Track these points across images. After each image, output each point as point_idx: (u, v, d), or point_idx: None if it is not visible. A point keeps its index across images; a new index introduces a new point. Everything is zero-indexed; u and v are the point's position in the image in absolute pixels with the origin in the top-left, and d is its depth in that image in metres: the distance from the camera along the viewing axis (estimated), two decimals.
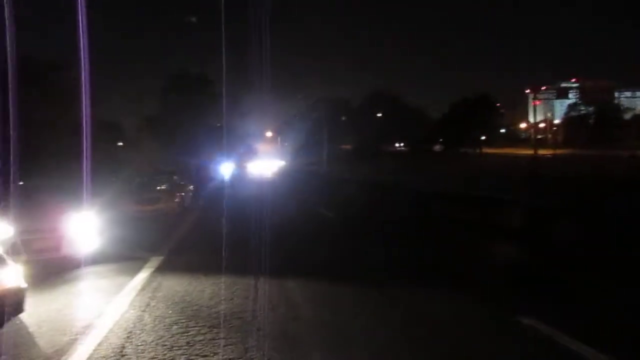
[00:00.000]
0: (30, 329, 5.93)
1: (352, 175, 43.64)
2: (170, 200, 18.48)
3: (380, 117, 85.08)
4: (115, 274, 8.69)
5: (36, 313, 6.47)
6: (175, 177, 21.04)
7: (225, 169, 34.00)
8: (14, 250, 8.91)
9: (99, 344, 5.30)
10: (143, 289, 7.58)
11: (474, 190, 22.21)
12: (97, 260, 9.63)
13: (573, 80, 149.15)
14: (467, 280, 7.91)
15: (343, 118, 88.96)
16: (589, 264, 8.93)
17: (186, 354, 4.98)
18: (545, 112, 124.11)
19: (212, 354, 4.96)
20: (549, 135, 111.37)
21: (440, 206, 18.74)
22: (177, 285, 7.75)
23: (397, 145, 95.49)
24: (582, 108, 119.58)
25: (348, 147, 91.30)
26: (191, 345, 5.20)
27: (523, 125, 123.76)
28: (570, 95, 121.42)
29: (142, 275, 8.45)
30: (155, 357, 4.93)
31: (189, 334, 5.54)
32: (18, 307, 6.02)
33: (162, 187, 19.78)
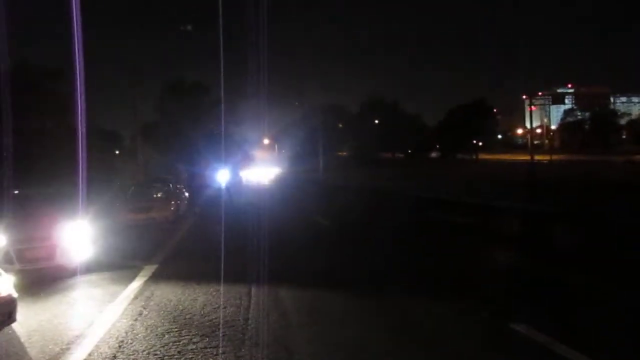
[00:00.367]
0: (22, 339, 5.89)
1: (349, 182, 43.62)
2: (165, 208, 18.41)
3: (377, 123, 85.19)
4: (109, 283, 8.66)
5: (28, 323, 6.43)
6: (170, 185, 20.97)
7: (221, 176, 33.93)
8: (6, 259, 8.89)
9: (90, 354, 5.27)
10: (136, 297, 7.55)
11: (470, 196, 22.26)
12: (91, 269, 9.60)
13: (569, 86, 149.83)
14: (463, 286, 7.89)
15: (340, 125, 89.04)
16: (586, 269, 8.93)
17: None
18: (542, 118, 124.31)
19: None
20: (546, 141, 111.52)
21: (437, 212, 18.77)
22: (170, 294, 7.72)
23: (393, 151, 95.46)
24: (578, 114, 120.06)
25: (345, 154, 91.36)
26: (183, 355, 5.17)
27: (519, 131, 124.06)
28: (566, 101, 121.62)
29: (135, 284, 8.41)
30: None
31: (181, 342, 5.51)
32: (9, 317, 5.98)
33: (157, 195, 19.71)
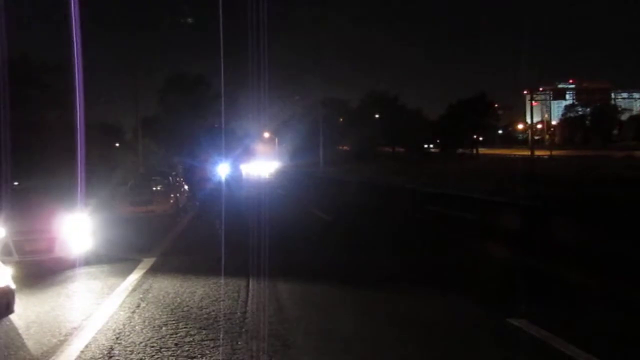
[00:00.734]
0: (20, 330, 5.90)
1: (349, 177, 43.70)
2: (165, 202, 18.43)
3: (378, 118, 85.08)
4: (107, 275, 8.67)
5: (25, 314, 6.45)
6: (170, 178, 20.97)
7: (221, 170, 33.96)
8: (5, 251, 8.92)
9: (87, 345, 5.28)
10: (134, 290, 7.57)
11: (469, 191, 22.29)
12: (90, 261, 9.61)
13: (570, 81, 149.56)
14: (462, 281, 7.89)
15: (341, 119, 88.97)
16: (585, 264, 8.94)
17: (174, 355, 4.97)
18: (543, 113, 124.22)
19: (200, 355, 4.94)
20: (546, 136, 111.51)
21: (436, 207, 18.79)
22: (168, 286, 7.73)
23: (394, 146, 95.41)
24: (579, 109, 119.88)
25: (346, 148, 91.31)
26: (180, 347, 5.18)
27: (520, 126, 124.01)
28: (567, 97, 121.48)
29: (134, 277, 8.43)
30: (143, 359, 4.91)
31: (178, 335, 5.52)
32: (7, 308, 6.01)
33: (157, 189, 19.72)
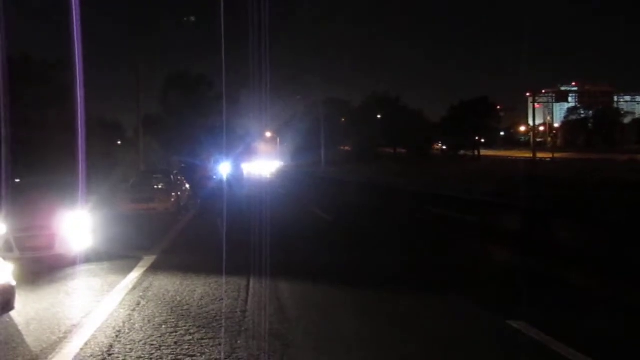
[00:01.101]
0: (19, 327, 5.90)
1: (350, 177, 43.70)
2: (166, 200, 18.43)
3: (379, 119, 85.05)
4: (107, 273, 8.67)
5: (25, 311, 6.45)
6: (171, 176, 20.98)
7: (223, 169, 33.96)
8: (6, 247, 8.92)
9: (87, 343, 5.28)
10: (134, 288, 7.56)
11: (471, 193, 22.28)
12: (90, 258, 9.62)
13: (573, 83, 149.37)
14: (463, 282, 7.88)
15: (342, 119, 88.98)
16: (586, 267, 8.93)
17: (174, 354, 4.96)
18: (545, 116, 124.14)
19: (199, 354, 4.93)
20: (549, 139, 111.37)
21: (437, 209, 18.78)
22: (168, 284, 7.72)
23: (395, 147, 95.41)
24: (582, 112, 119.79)
25: (347, 148, 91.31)
26: (179, 345, 5.17)
27: (522, 128, 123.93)
28: (569, 99, 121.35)
29: (134, 275, 8.42)
30: (142, 357, 4.90)
31: (178, 333, 5.52)
32: (8, 305, 6.00)
33: (158, 187, 19.74)
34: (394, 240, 12.27)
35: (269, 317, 6.05)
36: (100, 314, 6.24)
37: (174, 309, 6.46)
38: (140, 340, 5.31)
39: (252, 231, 11.61)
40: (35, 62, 31.06)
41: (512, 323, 5.64)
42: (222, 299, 6.85)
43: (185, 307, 6.52)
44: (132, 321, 5.96)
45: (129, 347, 5.15)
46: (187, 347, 5.12)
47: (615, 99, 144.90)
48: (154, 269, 8.91)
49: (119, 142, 54.05)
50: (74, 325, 5.88)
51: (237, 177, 35.89)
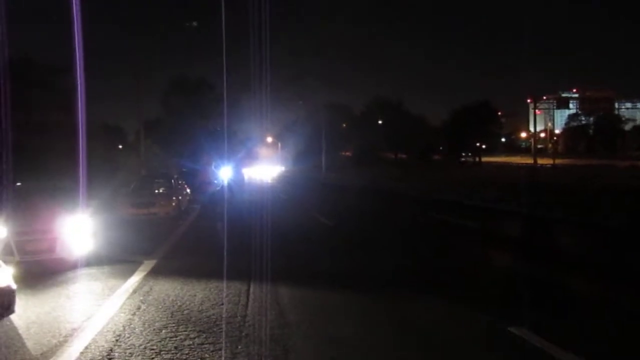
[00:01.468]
0: (20, 331, 5.89)
1: (351, 182, 43.66)
2: (167, 204, 18.45)
3: (381, 124, 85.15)
4: (108, 277, 8.66)
5: (26, 314, 6.45)
6: (172, 181, 20.99)
7: (224, 174, 33.93)
8: (7, 251, 8.91)
9: (87, 347, 5.27)
10: (134, 292, 7.55)
11: (472, 199, 22.27)
12: (91, 262, 9.61)
13: (574, 90, 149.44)
14: (464, 288, 7.86)
15: (344, 124, 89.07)
16: (588, 273, 8.92)
17: (174, 359, 4.95)
18: (546, 122, 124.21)
19: (199, 359, 4.93)
20: (550, 145, 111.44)
21: (438, 214, 18.77)
22: (168, 289, 7.72)
23: (396, 152, 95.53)
24: (582, 118, 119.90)
25: (348, 153, 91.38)
26: (179, 350, 5.16)
27: (523, 135, 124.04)
28: (570, 105, 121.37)
29: (135, 279, 8.42)
30: None
31: (178, 338, 5.51)
32: (8, 308, 5.99)
33: (159, 191, 19.75)
34: (395, 245, 12.25)
35: (269, 321, 6.04)
36: (101, 318, 6.24)
37: (175, 313, 6.45)
38: (141, 345, 5.30)
39: (252, 236, 11.61)
40: (38, 65, 31.12)
41: (514, 329, 5.62)
42: (223, 304, 6.84)
43: (186, 312, 6.51)
44: (132, 325, 5.95)
45: (129, 351, 5.14)
46: (187, 352, 5.11)
47: (617, 105, 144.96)
48: (154, 273, 8.91)
49: (120, 146, 54.13)
50: (75, 329, 5.87)
51: (238, 182, 35.85)
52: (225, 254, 9.87)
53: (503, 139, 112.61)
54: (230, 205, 21.27)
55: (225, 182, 31.04)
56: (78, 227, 9.74)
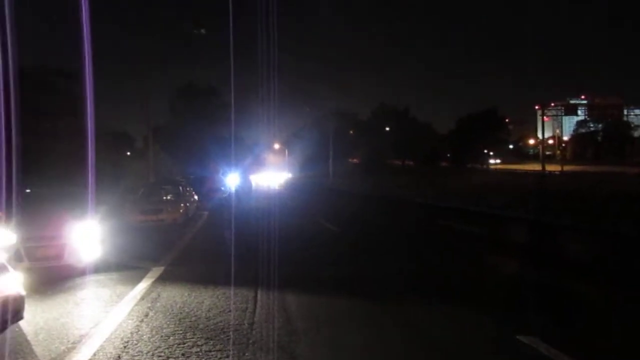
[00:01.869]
0: (28, 337, 5.93)
1: (358, 189, 43.62)
2: (174, 211, 18.50)
3: (388, 131, 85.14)
4: (116, 283, 8.70)
5: (35, 320, 6.49)
6: (180, 188, 21.05)
7: (231, 180, 34.06)
8: (16, 257, 8.96)
9: (95, 354, 5.29)
10: (142, 298, 7.57)
11: (480, 205, 22.17)
12: (99, 269, 9.65)
13: (582, 97, 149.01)
14: (471, 296, 7.83)
15: (351, 131, 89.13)
16: (597, 281, 8.85)
17: None
18: (554, 129, 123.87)
19: None
20: (557, 152, 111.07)
21: (446, 221, 18.72)
22: (176, 295, 7.73)
23: (404, 159, 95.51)
24: (591, 125, 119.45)
25: (355, 160, 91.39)
26: (187, 357, 5.17)
27: (531, 141, 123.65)
28: (579, 112, 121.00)
29: (143, 285, 8.44)
30: None
31: (186, 345, 5.52)
32: (17, 314, 6.02)
33: (167, 198, 19.81)
34: (401, 251, 12.22)
35: (276, 329, 6.04)
36: (109, 325, 6.26)
37: (182, 320, 6.46)
38: (148, 352, 5.31)
39: (259, 242, 11.63)
40: (47, 71, 31.38)
41: (522, 338, 5.59)
42: (230, 311, 6.85)
43: (193, 319, 6.52)
44: (140, 332, 5.97)
45: (136, 358, 5.16)
46: (195, 359, 5.13)
47: (625, 112, 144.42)
48: (162, 279, 8.93)
49: (128, 153, 54.38)
50: (83, 336, 5.90)
51: (245, 189, 35.98)
52: (232, 260, 9.88)
53: (511, 146, 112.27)
54: (238, 211, 21.32)
55: (233, 189, 31.17)
56: (86, 234, 9.79)
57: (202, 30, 31.79)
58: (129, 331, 6.00)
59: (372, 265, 10.51)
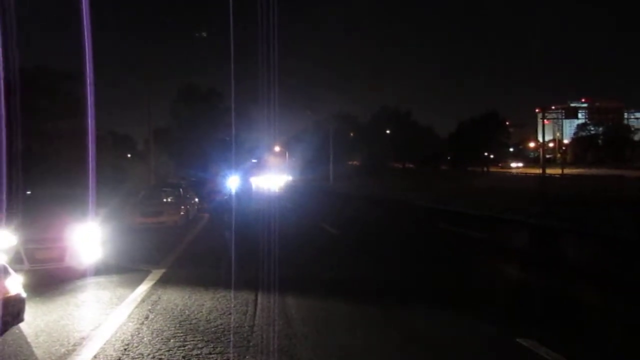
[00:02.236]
0: (29, 339, 5.93)
1: (359, 192, 43.66)
2: (175, 213, 18.52)
3: (388, 133, 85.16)
4: (116, 286, 8.70)
5: (35, 323, 6.49)
6: (180, 190, 21.07)
7: (231, 183, 34.04)
8: (17, 259, 8.97)
9: (96, 356, 5.29)
10: (143, 301, 7.58)
11: (480, 209, 22.18)
12: (99, 271, 9.66)
13: (582, 100, 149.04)
14: (471, 298, 7.83)
15: (351, 134, 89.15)
16: (598, 285, 8.86)
17: None
18: (555, 132, 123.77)
19: None
20: (558, 155, 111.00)
21: (446, 224, 18.71)
22: (176, 298, 7.74)
23: (404, 162, 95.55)
24: (591, 128, 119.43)
25: (356, 163, 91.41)
26: (187, 359, 5.18)
27: (532, 144, 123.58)
28: (579, 115, 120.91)
29: (143, 288, 8.45)
30: None
31: (186, 347, 5.52)
32: (17, 316, 6.03)
33: (167, 200, 19.84)
34: (402, 256, 12.21)
35: (277, 331, 6.05)
36: (109, 327, 6.26)
37: (182, 322, 6.46)
38: (149, 354, 5.31)
39: (260, 245, 11.63)
40: (48, 73, 31.42)
41: (522, 341, 5.59)
42: (230, 313, 6.85)
43: (194, 321, 6.52)
44: (140, 335, 5.97)
45: None
46: None
47: (626, 115, 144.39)
48: (162, 282, 8.93)
49: (129, 155, 54.40)
50: (83, 338, 5.90)
51: (245, 191, 35.95)
52: (232, 263, 9.89)
53: (511, 149, 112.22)
54: (238, 214, 21.31)
55: (233, 191, 31.15)
56: (87, 236, 9.80)
57: (203, 34, 31.84)
58: (130, 334, 6.01)
59: (371, 268, 10.51)
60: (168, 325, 6.36)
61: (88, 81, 15.36)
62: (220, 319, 6.62)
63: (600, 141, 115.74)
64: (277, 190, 55.43)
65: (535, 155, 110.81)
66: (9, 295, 5.81)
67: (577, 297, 8.09)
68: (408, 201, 30.96)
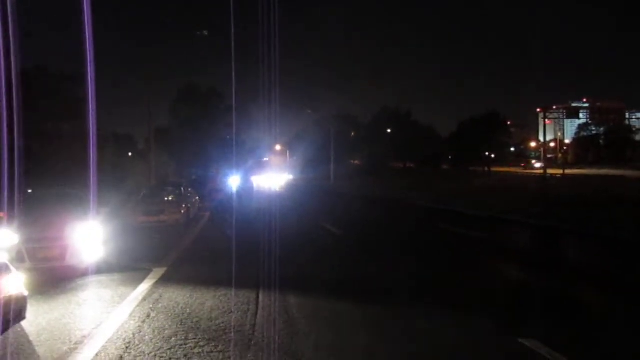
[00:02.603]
0: (30, 337, 5.94)
1: (359, 191, 43.65)
2: (176, 212, 18.52)
3: (389, 133, 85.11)
4: (118, 284, 8.71)
5: (37, 321, 6.50)
6: (181, 189, 21.08)
7: (232, 182, 34.04)
8: (18, 258, 8.99)
9: (98, 354, 5.31)
10: (144, 299, 7.59)
11: (480, 209, 22.17)
12: (101, 270, 9.67)
13: (584, 100, 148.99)
14: (473, 298, 7.82)
15: (352, 134, 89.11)
16: (598, 285, 8.85)
17: None
18: (556, 132, 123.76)
19: None
20: (559, 155, 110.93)
21: (446, 224, 18.71)
22: (178, 297, 7.75)
23: (405, 161, 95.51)
24: (593, 128, 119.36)
25: (357, 162, 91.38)
26: (189, 358, 5.18)
27: (533, 144, 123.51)
28: (580, 115, 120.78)
29: (144, 286, 8.46)
30: None
31: (187, 346, 5.53)
32: (19, 315, 6.04)
33: (168, 199, 19.85)
34: (403, 256, 12.21)
35: (278, 330, 6.05)
36: (111, 325, 6.28)
37: (184, 321, 6.47)
38: (150, 353, 5.32)
39: (261, 244, 11.63)
40: (49, 74, 31.47)
41: (524, 341, 5.59)
42: (232, 312, 6.86)
43: (195, 320, 6.53)
44: (142, 333, 5.98)
45: (138, 359, 5.18)
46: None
47: (627, 115, 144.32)
48: (164, 280, 8.94)
49: (130, 154, 54.44)
50: (85, 336, 5.91)
51: (246, 190, 35.94)
52: (234, 261, 9.89)
53: (512, 149, 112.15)
54: (239, 212, 21.32)
55: (234, 190, 31.15)
56: (88, 235, 9.81)
57: (204, 33, 31.81)
58: (131, 332, 6.02)
59: (372, 267, 10.51)
60: (169, 323, 6.37)
61: (89, 81, 15.35)
62: (222, 317, 6.62)
63: (601, 141, 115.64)
64: (278, 189, 55.41)
65: (537, 155, 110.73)
66: (11, 293, 5.82)
67: (579, 298, 8.09)
68: (408, 201, 30.93)
